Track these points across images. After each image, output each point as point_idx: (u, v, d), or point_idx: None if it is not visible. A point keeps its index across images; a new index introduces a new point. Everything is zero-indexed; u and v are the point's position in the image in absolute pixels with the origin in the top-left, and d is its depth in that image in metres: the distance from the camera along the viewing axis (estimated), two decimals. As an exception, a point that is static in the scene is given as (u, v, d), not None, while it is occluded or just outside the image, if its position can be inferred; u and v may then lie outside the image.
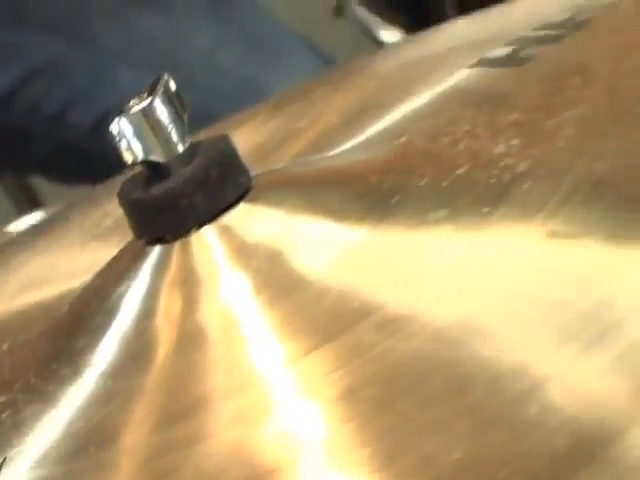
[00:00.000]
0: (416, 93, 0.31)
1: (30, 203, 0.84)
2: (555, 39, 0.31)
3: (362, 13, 0.63)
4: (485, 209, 0.24)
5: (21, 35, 0.69)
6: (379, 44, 0.62)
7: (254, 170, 0.26)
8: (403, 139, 0.28)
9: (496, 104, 0.29)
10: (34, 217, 0.44)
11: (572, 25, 0.32)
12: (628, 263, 0.21)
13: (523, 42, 0.32)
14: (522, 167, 0.25)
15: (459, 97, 0.30)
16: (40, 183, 0.84)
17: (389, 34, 0.62)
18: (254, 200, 0.25)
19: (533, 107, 0.28)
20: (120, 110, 0.25)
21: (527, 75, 0.30)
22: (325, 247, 0.25)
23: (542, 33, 0.32)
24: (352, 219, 0.25)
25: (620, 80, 0.28)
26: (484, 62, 0.31)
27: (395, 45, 0.61)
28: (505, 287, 0.23)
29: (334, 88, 0.35)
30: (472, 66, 0.32)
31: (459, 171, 0.25)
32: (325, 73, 0.57)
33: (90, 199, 0.39)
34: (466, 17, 0.40)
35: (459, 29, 0.42)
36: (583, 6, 0.34)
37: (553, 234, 0.23)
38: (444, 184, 0.25)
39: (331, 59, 0.73)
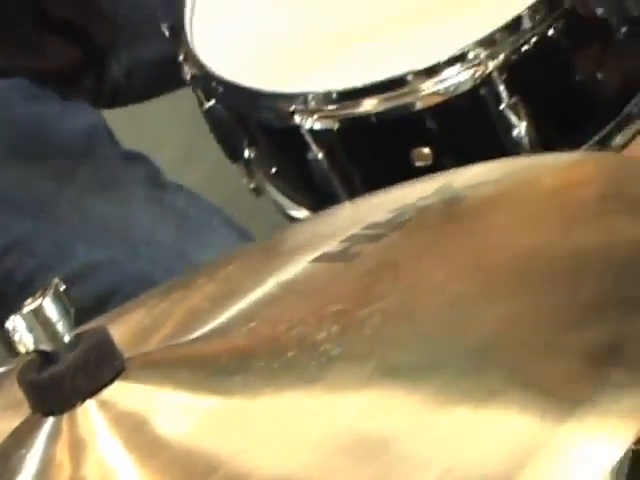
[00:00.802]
0: (269, 282, 0.39)
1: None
2: (378, 237, 0.40)
3: (275, 194, 0.74)
4: (307, 385, 0.31)
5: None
6: (292, 219, 0.73)
7: (131, 352, 0.33)
8: (252, 324, 0.36)
9: (325, 295, 0.37)
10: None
11: (393, 225, 0.41)
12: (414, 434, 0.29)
13: (354, 239, 0.41)
14: (336, 351, 0.32)
15: (300, 288, 0.39)
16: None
17: (298, 212, 0.72)
18: (126, 378, 0.32)
19: (352, 299, 0.36)
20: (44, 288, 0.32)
21: (352, 270, 0.38)
22: (183, 415, 0.32)
23: (370, 231, 0.41)
24: (205, 392, 0.32)
25: (421, 276, 0.37)
26: (322, 257, 0.40)
27: (298, 223, 0.72)
28: (323, 445, 0.30)
29: (210, 277, 0.43)
30: (314, 260, 0.40)
31: (290, 354, 0.33)
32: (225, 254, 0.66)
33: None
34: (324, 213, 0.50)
35: (325, 220, 0.51)
36: (406, 207, 0.43)
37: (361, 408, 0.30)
38: (276, 365, 0.32)
39: (249, 233, 0.87)
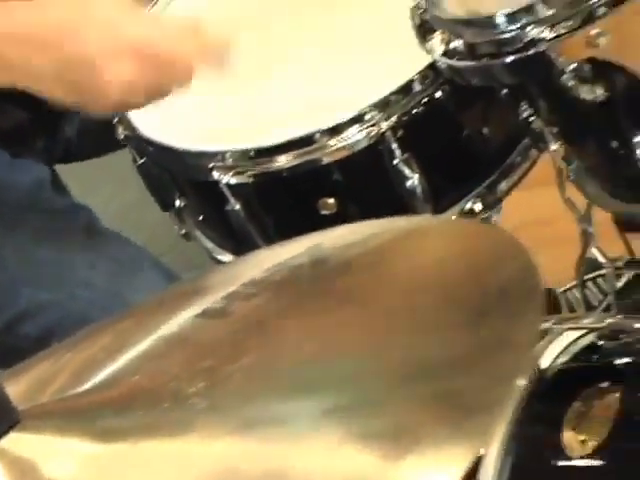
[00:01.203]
0: (156, 336, 0.45)
1: None
2: (251, 296, 0.47)
3: (203, 240, 0.81)
4: (179, 434, 0.38)
5: None
6: (218, 262, 0.80)
7: (28, 403, 0.40)
8: (136, 377, 0.42)
9: (200, 351, 0.43)
10: None
11: (266, 284, 0.47)
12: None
13: (232, 297, 0.47)
14: (203, 405, 0.39)
15: (181, 343, 0.45)
16: None
17: (223, 256, 0.79)
18: (21, 429, 0.38)
19: (222, 355, 0.43)
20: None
21: (226, 327, 0.45)
22: (69, 460, 0.38)
23: (246, 290, 0.47)
24: (90, 439, 0.38)
25: (283, 335, 0.43)
26: (204, 314, 0.46)
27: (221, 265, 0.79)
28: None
29: (110, 329, 0.50)
30: (197, 316, 0.46)
31: (165, 405, 0.40)
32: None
33: None
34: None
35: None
36: (279, 265, 0.49)
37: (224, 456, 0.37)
38: (153, 415, 0.39)
39: (175, 274, 0.94)
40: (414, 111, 0.68)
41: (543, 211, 1.07)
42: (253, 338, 0.43)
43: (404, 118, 0.68)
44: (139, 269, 0.92)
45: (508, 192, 0.73)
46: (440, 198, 0.70)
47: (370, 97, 0.68)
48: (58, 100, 0.71)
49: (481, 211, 0.72)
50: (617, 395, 0.59)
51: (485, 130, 0.71)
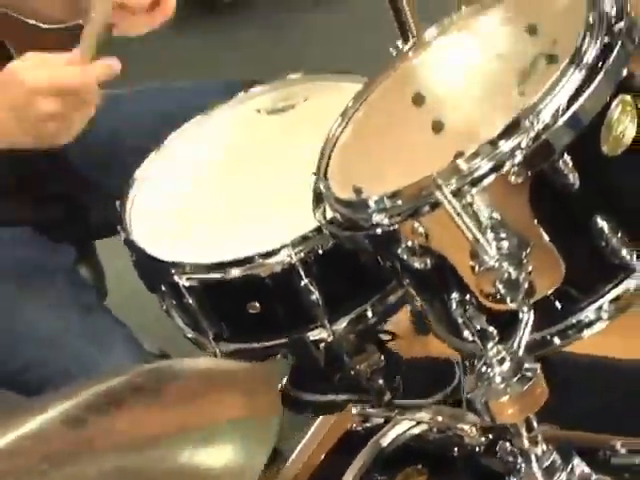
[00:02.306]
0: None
1: None
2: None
3: (177, 319, 1.11)
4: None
5: None
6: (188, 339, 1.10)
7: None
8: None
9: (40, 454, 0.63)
10: None
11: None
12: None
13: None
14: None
15: (30, 444, 0.65)
16: None
17: (190, 334, 1.10)
18: None
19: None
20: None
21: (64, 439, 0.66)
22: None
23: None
24: None
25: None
26: (59, 419, 0.66)
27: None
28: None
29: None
30: (52, 419, 0.66)
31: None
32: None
33: None
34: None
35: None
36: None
37: None
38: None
39: (144, 349, 1.21)
40: (318, 249, 0.95)
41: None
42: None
43: (309, 254, 0.95)
44: (117, 341, 1.15)
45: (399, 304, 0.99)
46: (336, 309, 0.97)
47: (289, 236, 0.95)
48: (28, 145, 0.97)
49: (372, 318, 0.99)
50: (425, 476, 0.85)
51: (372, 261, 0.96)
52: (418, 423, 0.95)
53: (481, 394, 0.75)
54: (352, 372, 0.98)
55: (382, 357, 1.00)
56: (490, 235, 0.76)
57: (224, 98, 1.23)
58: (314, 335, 0.98)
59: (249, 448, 0.59)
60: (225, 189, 1.11)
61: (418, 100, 0.94)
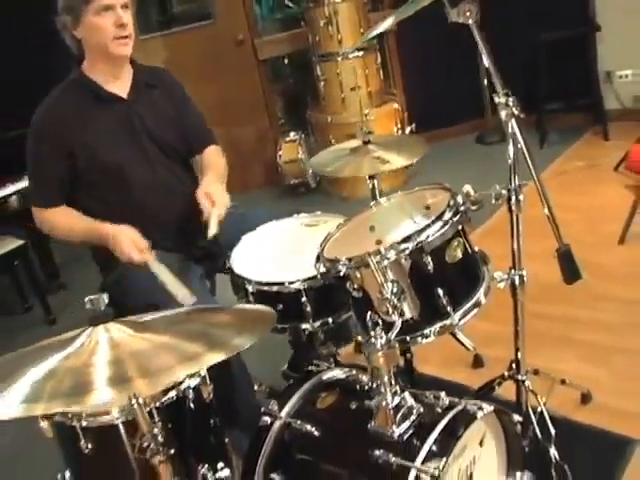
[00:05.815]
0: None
1: None
2: None
3: None
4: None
5: None
6: None
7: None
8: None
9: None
10: None
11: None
12: None
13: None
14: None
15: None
16: None
17: None
18: None
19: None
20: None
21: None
22: None
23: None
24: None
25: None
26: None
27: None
28: None
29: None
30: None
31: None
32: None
33: None
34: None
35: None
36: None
37: None
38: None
39: None
40: (312, 285, 1.96)
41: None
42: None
43: (310, 285, 1.97)
44: None
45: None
46: (317, 314, 1.98)
47: (302, 275, 1.99)
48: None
49: (331, 324, 1.99)
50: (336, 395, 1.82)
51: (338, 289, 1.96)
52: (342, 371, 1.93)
53: (369, 349, 1.71)
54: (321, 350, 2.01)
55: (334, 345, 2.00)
56: (389, 284, 1.76)
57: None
58: (303, 326, 1.99)
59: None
60: (282, 253, 2.19)
61: (372, 228, 1.98)
